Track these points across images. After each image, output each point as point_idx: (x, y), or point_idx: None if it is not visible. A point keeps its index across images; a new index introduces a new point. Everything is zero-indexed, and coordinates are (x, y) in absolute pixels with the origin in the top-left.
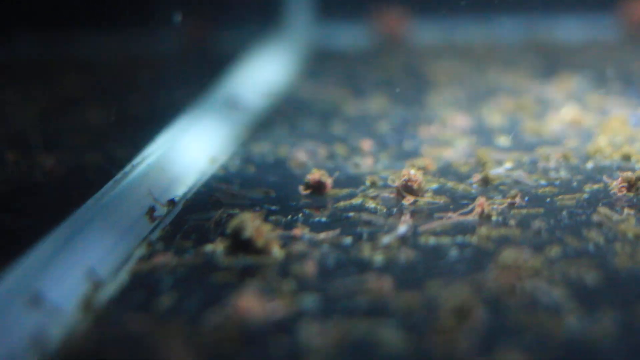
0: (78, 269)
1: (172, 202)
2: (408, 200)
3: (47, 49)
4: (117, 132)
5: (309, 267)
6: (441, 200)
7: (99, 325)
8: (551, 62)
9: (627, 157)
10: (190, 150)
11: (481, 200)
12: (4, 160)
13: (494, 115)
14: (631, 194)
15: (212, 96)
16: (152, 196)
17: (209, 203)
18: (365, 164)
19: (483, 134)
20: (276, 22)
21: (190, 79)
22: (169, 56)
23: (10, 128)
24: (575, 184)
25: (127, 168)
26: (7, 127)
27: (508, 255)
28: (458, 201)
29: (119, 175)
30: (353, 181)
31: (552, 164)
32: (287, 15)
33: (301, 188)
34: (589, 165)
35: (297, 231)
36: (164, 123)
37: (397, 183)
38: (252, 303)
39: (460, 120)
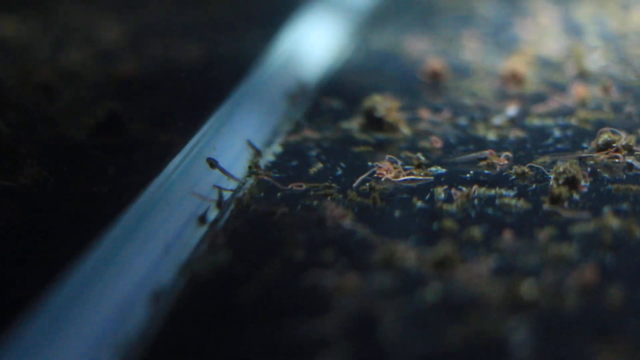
0: (239, 140)
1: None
2: (512, 87)
3: None
4: (243, 25)
5: (435, 142)
6: (541, 88)
7: (262, 186)
8: None
9: None
10: (317, 42)
11: (578, 87)
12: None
13: (583, 10)
14: None
15: None
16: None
17: (343, 85)
18: (470, 55)
19: (573, 29)
20: None
21: None
22: None
23: (149, 20)
24: None
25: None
26: (144, 18)
27: (606, 134)
28: (556, 89)
29: (258, 64)
30: (462, 70)
31: (637, 57)
32: None
33: (419, 75)
34: None
35: (420, 112)
36: (286, 16)
37: (503, 73)
38: (389, 170)
39: (551, 15)
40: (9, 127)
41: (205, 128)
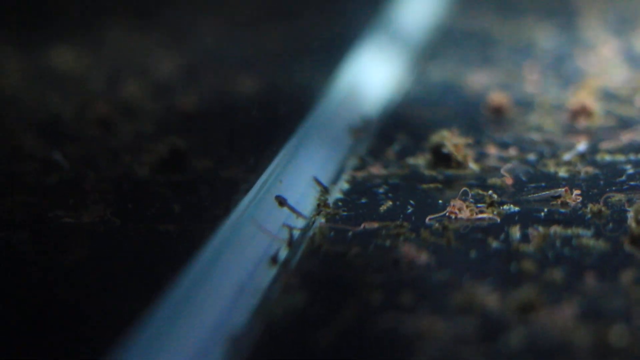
0: (305, 177)
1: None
2: (579, 122)
3: None
4: (300, 58)
5: (507, 179)
6: (609, 122)
7: (332, 225)
8: None
9: None
10: (376, 75)
11: None
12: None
13: None
14: None
15: (380, 24)
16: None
17: (405, 119)
18: (532, 88)
19: (635, 60)
20: None
21: (356, 7)
22: None
23: (205, 52)
24: None
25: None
26: (199, 50)
27: None
28: (625, 123)
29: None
30: (526, 103)
31: None
32: None
33: (482, 109)
34: None
35: (487, 148)
36: (344, 49)
37: (571, 107)
38: (462, 208)
39: (611, 46)
40: (69, 162)
41: (273, 165)
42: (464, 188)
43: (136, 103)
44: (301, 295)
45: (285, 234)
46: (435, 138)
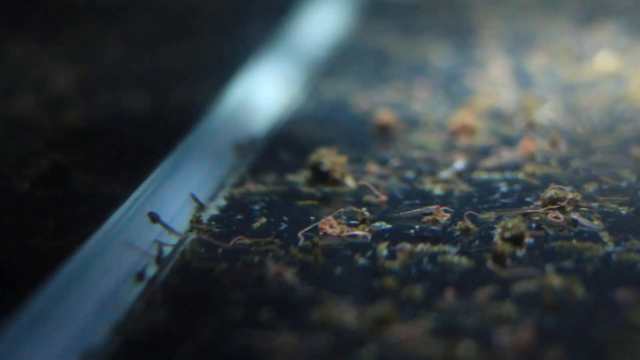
0: (183, 193)
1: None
2: (461, 140)
3: None
4: (194, 75)
5: (382, 197)
6: (491, 141)
7: (204, 242)
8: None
9: None
10: (265, 92)
11: (526, 140)
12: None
13: (535, 61)
14: None
15: (278, 42)
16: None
17: (292, 137)
18: (421, 107)
19: (524, 80)
20: None
21: (255, 24)
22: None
23: (101, 68)
24: (609, 126)
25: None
26: (96, 66)
27: (553, 190)
28: (506, 142)
29: (207, 115)
30: (413, 122)
31: (587, 108)
32: None
33: (369, 127)
34: (623, 108)
35: (368, 166)
36: (238, 66)
37: (453, 126)
38: (333, 225)
39: (502, 66)
40: None
41: (148, 181)
42: (340, 208)
43: (26, 118)
44: (163, 311)
45: (155, 250)
46: (314, 156)
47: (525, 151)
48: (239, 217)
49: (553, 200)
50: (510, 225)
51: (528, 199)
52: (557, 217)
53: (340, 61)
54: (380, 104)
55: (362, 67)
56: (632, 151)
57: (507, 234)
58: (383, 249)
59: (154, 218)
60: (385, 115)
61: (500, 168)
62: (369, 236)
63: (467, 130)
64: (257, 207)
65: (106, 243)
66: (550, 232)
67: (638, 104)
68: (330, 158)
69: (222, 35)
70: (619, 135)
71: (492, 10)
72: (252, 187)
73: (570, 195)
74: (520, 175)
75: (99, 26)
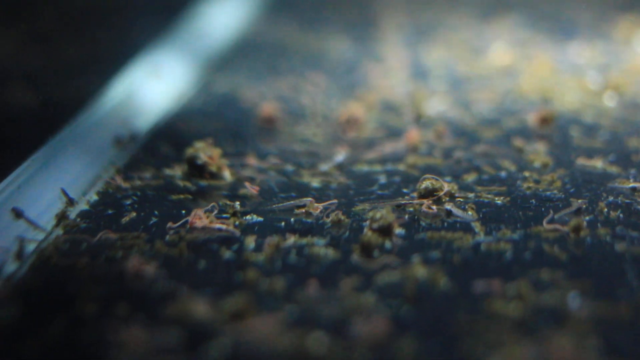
0: (54, 189)
1: (135, 136)
2: (348, 133)
3: None
4: (83, 68)
5: (254, 189)
6: (378, 133)
7: (70, 237)
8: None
9: (546, 97)
10: (152, 85)
11: (411, 132)
12: None
13: (431, 54)
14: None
15: (173, 35)
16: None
17: (176, 130)
18: (310, 100)
19: (420, 72)
20: None
21: (150, 17)
22: None
23: None
24: (496, 118)
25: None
26: None
27: (428, 181)
28: (394, 133)
29: (88, 108)
30: (300, 115)
31: (478, 100)
32: None
33: (253, 121)
34: (512, 102)
35: (247, 159)
36: (126, 60)
37: (340, 118)
38: (202, 218)
39: (400, 59)
40: None
41: (13, 175)
42: (213, 202)
43: None
44: (15, 308)
45: (15, 247)
46: (190, 149)
47: (409, 142)
48: (109, 212)
49: (429, 191)
50: (378, 215)
51: (406, 190)
52: (430, 208)
53: (236, 55)
54: (269, 97)
55: (257, 61)
56: (514, 142)
57: (375, 225)
58: (250, 241)
59: (18, 213)
60: (269, 108)
61: (382, 160)
62: (237, 229)
63: (354, 122)
64: (129, 201)
65: None
66: (422, 222)
67: (526, 97)
68: (206, 151)
69: (115, 28)
70: (503, 127)
71: (395, 4)
72: (126, 181)
73: (445, 186)
74: (402, 167)
75: None
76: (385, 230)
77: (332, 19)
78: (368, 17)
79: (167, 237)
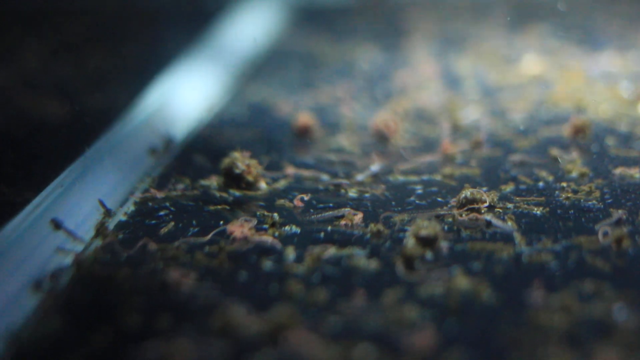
0: (91, 199)
1: (170, 142)
2: (383, 142)
3: None
4: (116, 79)
5: (297, 201)
6: (413, 142)
7: (108, 248)
8: (523, 12)
9: (580, 106)
10: (187, 96)
11: (446, 142)
12: (16, 104)
13: (462, 63)
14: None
15: (206, 46)
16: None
17: (211, 140)
18: (344, 110)
19: (452, 81)
20: None
21: (182, 29)
22: (162, 6)
23: (18, 72)
24: (531, 129)
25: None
26: (15, 71)
27: (467, 191)
28: (428, 143)
29: (123, 119)
30: (334, 125)
31: (511, 110)
32: None
33: (290, 130)
34: (545, 112)
35: (285, 169)
36: (160, 71)
37: (373, 128)
38: (242, 230)
39: (431, 68)
40: None
41: (52, 186)
42: (251, 212)
43: None
44: (58, 321)
45: (59, 258)
46: (226, 160)
47: (445, 153)
48: (147, 222)
49: (468, 201)
50: (421, 226)
51: (443, 200)
52: (470, 219)
53: (268, 65)
54: (303, 108)
55: (289, 71)
56: (550, 152)
57: (422, 233)
58: (290, 252)
59: (57, 224)
60: (304, 118)
61: (418, 170)
62: (277, 240)
63: (389, 132)
64: (166, 212)
65: (3, 251)
66: (464, 233)
67: (559, 106)
68: (243, 161)
69: (146, 39)
70: (539, 136)
71: (424, 13)
72: (163, 192)
73: (485, 197)
74: (438, 177)
75: (20, 31)
76: (428, 242)
77: (360, 29)
78: (396, 26)
79: (207, 248)
